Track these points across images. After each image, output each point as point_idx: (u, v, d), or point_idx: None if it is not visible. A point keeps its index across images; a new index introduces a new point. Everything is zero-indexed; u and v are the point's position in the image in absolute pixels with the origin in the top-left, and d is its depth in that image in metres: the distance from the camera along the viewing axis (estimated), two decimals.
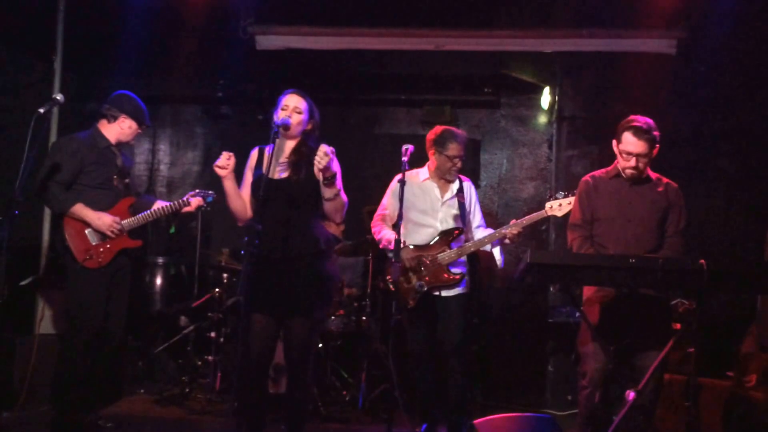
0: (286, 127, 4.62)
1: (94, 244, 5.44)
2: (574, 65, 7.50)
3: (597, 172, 5.12)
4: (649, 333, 4.74)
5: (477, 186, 7.97)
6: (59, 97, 5.05)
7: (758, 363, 5.41)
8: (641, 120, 4.83)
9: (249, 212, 4.77)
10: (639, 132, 4.78)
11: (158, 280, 7.83)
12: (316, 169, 4.52)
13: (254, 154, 4.81)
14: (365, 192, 6.54)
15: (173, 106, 8.77)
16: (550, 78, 7.70)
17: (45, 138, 5.32)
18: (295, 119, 4.68)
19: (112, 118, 5.63)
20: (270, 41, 7.54)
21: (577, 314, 5.06)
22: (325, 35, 7.44)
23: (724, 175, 7.21)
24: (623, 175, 4.92)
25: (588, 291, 4.96)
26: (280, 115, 4.67)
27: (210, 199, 5.81)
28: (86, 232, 5.43)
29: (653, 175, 4.99)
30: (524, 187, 8.00)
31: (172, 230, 8.55)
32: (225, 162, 4.59)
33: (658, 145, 4.84)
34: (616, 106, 7.01)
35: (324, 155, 4.39)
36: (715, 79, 7.06)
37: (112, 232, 5.44)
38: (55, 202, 5.42)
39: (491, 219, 6.25)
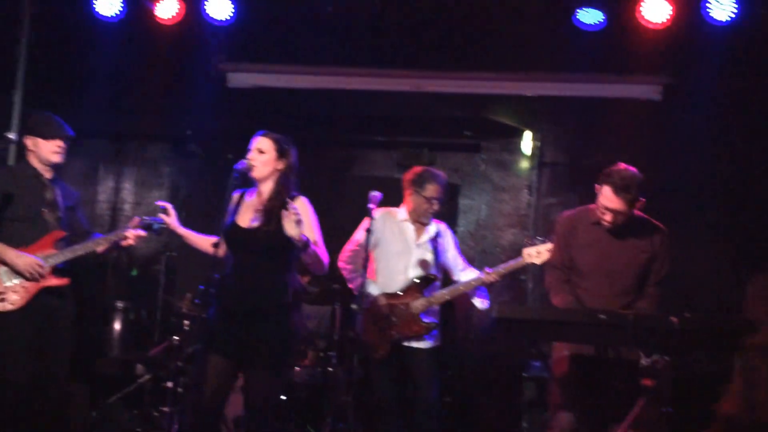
0: (246, 170, 4.64)
1: (7, 285, 5.24)
2: (556, 110, 7.58)
3: (578, 212, 5.10)
4: (618, 393, 4.72)
5: (454, 231, 7.97)
6: (12, 135, 5.12)
7: (737, 426, 5.38)
8: (623, 174, 4.80)
9: (219, 254, 4.74)
10: (618, 190, 4.76)
11: (116, 325, 7.75)
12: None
13: (235, 197, 4.82)
14: (339, 236, 6.51)
15: (140, 143, 8.74)
16: (532, 123, 7.76)
17: None
18: (257, 160, 4.69)
19: (25, 145, 5.50)
20: (241, 79, 7.59)
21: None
22: (299, 74, 7.51)
23: (710, 225, 7.23)
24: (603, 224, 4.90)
25: (558, 344, 4.96)
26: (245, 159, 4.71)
27: (156, 227, 5.46)
28: (0, 271, 5.27)
29: (639, 216, 4.96)
30: (503, 234, 7.98)
31: (134, 272, 8.54)
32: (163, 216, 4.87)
33: (642, 200, 4.84)
34: (599, 153, 7.04)
35: (292, 225, 4.40)
36: (702, 127, 7.08)
37: (31, 274, 5.25)
38: None
39: (478, 266, 6.24)
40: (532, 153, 7.82)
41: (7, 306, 5.21)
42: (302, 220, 4.45)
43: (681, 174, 7.24)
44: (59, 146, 5.47)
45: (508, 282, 7.61)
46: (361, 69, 7.43)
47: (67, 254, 5.38)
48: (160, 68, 7.64)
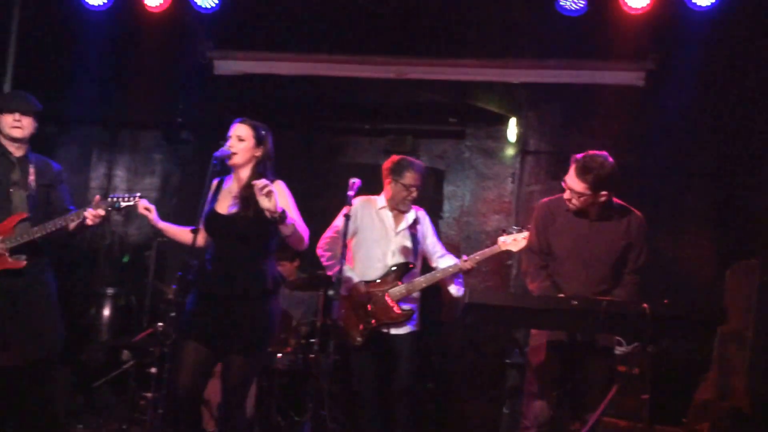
0: (226, 157, 4.68)
1: None
2: (539, 97, 7.56)
3: (556, 199, 5.10)
4: (593, 379, 4.75)
5: (439, 217, 7.99)
6: (12, 132, 5.19)
7: (714, 412, 5.41)
8: (587, 157, 4.79)
9: (199, 242, 4.78)
10: (580, 171, 4.78)
11: (106, 312, 7.80)
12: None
13: (214, 185, 4.86)
14: (326, 222, 6.52)
15: (132, 131, 8.78)
16: (517, 109, 7.74)
17: None
18: (236, 147, 4.71)
19: None
20: (228, 66, 7.60)
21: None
22: (284, 61, 7.49)
23: (694, 211, 7.23)
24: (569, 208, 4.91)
25: (535, 331, 4.98)
26: (225, 146, 4.73)
27: (119, 205, 5.13)
28: None
29: (617, 203, 4.96)
30: (488, 221, 7.97)
31: (126, 259, 8.58)
32: (143, 210, 4.85)
33: (606, 191, 4.81)
34: (582, 141, 7.04)
35: (264, 196, 4.41)
36: (685, 112, 7.06)
37: None
38: None
39: (453, 252, 6.24)
40: (516, 140, 7.80)
41: None
42: (273, 190, 4.44)
43: (665, 160, 7.23)
44: (16, 119, 5.34)
45: (493, 267, 7.65)
46: (346, 56, 7.41)
47: (27, 236, 5.21)
48: (149, 56, 7.63)
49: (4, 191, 5.29)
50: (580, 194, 4.79)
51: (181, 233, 4.94)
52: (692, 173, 7.26)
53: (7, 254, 5.22)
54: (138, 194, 5.11)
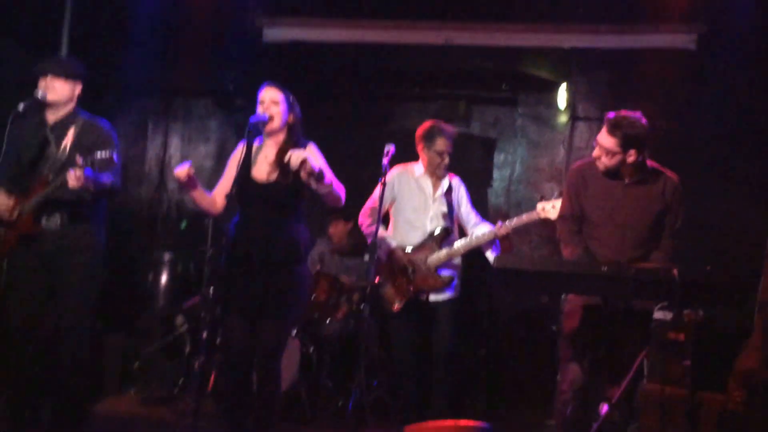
0: (263, 123, 4.79)
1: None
2: (590, 63, 7.57)
3: (588, 162, 5.14)
4: (627, 344, 4.81)
5: (489, 186, 8.06)
6: (40, 94, 5.17)
7: (755, 380, 5.42)
8: (618, 115, 4.85)
9: (219, 206, 4.94)
10: (611, 128, 4.82)
11: (163, 278, 8.03)
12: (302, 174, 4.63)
13: (241, 148, 4.91)
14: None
15: (185, 99, 8.98)
16: (567, 76, 7.75)
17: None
18: (272, 111, 4.82)
19: None
20: (277, 33, 7.76)
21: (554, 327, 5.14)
22: (333, 27, 7.62)
23: (742, 177, 7.17)
24: (600, 168, 4.94)
25: (571, 299, 5.04)
26: (258, 111, 4.84)
27: (92, 159, 4.96)
28: None
29: (652, 166, 4.99)
30: (539, 189, 7.95)
31: (184, 225, 8.82)
32: (182, 174, 4.76)
33: (635, 151, 4.83)
34: (632, 106, 6.98)
35: (300, 162, 4.51)
36: (737, 76, 7.02)
37: None
38: None
39: (502, 220, 6.33)
40: (566, 106, 7.82)
41: None
42: (306, 156, 4.53)
43: (715, 124, 7.19)
44: (47, 82, 5.30)
45: (547, 234, 7.69)
46: (395, 22, 7.51)
47: (41, 197, 5.17)
48: (201, 25, 7.83)
49: (36, 155, 5.29)
50: (608, 151, 4.83)
51: (203, 198, 4.96)
52: (742, 138, 7.18)
53: (28, 217, 5.20)
54: (112, 151, 4.99)
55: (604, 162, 4.88)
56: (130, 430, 6.16)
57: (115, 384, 7.15)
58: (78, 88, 5.42)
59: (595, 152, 4.92)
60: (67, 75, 5.35)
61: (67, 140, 5.26)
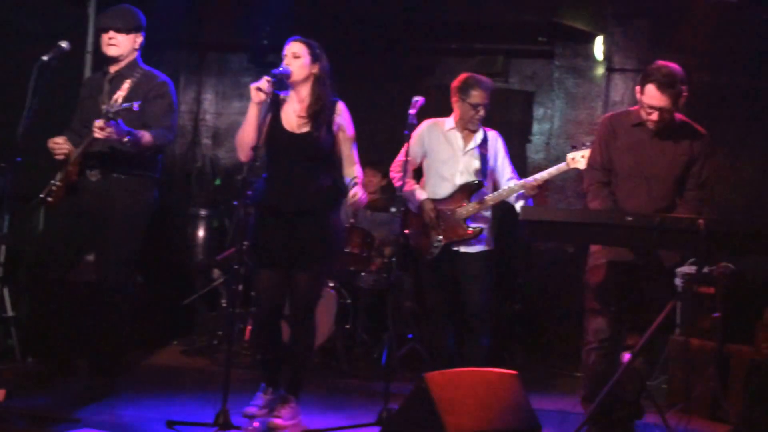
0: (285, 76, 4.99)
1: (53, 181, 5.38)
2: (626, 13, 7.69)
3: (618, 113, 5.31)
4: (652, 297, 5.02)
5: (527, 140, 8.27)
6: (64, 44, 5.26)
7: None
8: (666, 70, 4.94)
9: (254, 143, 4.98)
10: (663, 86, 4.89)
11: (200, 232, 8.36)
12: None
13: (273, 102, 5.07)
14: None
15: (219, 54, 9.26)
16: (604, 27, 7.89)
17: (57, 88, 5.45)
18: (294, 65, 5.03)
19: None
20: None
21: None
22: None
23: None
24: (647, 125, 5.07)
25: (593, 248, 5.26)
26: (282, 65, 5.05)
27: (111, 111, 5.06)
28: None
29: (680, 119, 5.12)
30: (577, 142, 8.08)
31: (217, 182, 9.13)
32: (266, 86, 4.88)
33: (685, 94, 4.96)
34: (669, 57, 7.08)
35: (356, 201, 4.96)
36: None
37: (52, 149, 5.35)
38: None
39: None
40: (603, 58, 7.96)
41: (48, 200, 5.40)
42: (360, 197, 4.97)
43: (755, 78, 7.27)
44: (111, 37, 5.46)
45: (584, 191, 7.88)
46: None
47: (83, 148, 5.30)
48: None
49: (95, 108, 5.36)
50: (663, 109, 4.93)
51: (256, 125, 5.02)
52: None
53: (74, 167, 5.36)
54: (138, 102, 5.11)
55: (654, 119, 4.99)
56: (172, 381, 6.40)
57: (156, 336, 7.49)
58: (138, 40, 5.57)
59: (644, 113, 5.02)
60: (129, 29, 5.50)
61: (122, 91, 5.30)
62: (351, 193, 4.98)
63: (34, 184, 5.50)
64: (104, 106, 5.15)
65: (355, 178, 5.12)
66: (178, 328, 7.93)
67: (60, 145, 5.34)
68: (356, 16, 8.27)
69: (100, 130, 5.02)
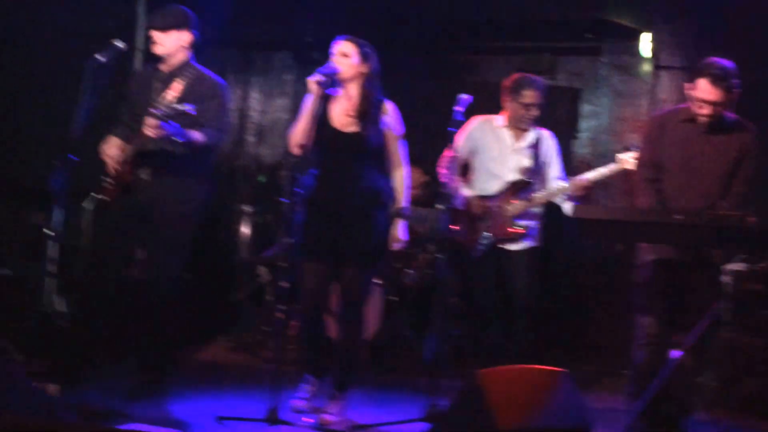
0: (333, 74, 5.10)
1: (104, 177, 5.54)
2: (674, 10, 7.71)
3: (667, 110, 5.41)
4: (700, 295, 5.08)
5: (574, 137, 8.31)
6: (119, 43, 5.34)
7: None
8: (719, 65, 5.02)
9: (305, 139, 5.10)
10: (716, 80, 4.97)
11: (245, 229, 8.47)
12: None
13: (311, 99, 5.18)
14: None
15: (264, 52, 9.38)
16: (650, 23, 7.91)
17: (111, 84, 5.47)
18: (342, 63, 5.15)
19: None
20: None
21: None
22: None
23: None
24: (698, 120, 5.12)
25: (641, 246, 5.31)
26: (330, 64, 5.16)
27: (160, 111, 5.17)
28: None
29: (730, 116, 5.17)
30: (624, 139, 8.00)
31: (261, 179, 9.24)
32: (322, 81, 5.01)
33: (737, 90, 5.02)
34: (716, 54, 7.08)
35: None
36: None
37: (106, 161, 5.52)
38: None
39: (587, 171, 6.58)
40: (650, 55, 7.97)
41: (100, 198, 5.54)
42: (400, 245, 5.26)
43: None
44: (155, 37, 5.57)
45: (628, 188, 7.89)
46: None
47: (135, 147, 5.45)
48: None
49: (147, 105, 5.42)
50: (716, 104, 5.00)
51: (309, 118, 5.14)
52: None
53: (127, 166, 5.49)
54: (192, 106, 5.17)
55: (706, 113, 5.05)
56: (219, 377, 6.54)
57: (202, 332, 7.64)
58: (185, 38, 5.62)
59: (697, 107, 5.07)
60: (166, 27, 5.55)
61: (174, 91, 5.44)
62: (392, 236, 5.23)
63: (87, 182, 5.59)
64: (156, 106, 5.24)
65: (400, 209, 5.29)
66: (223, 324, 8.07)
67: (113, 158, 5.48)
68: (400, 13, 8.35)
69: (153, 129, 5.13)
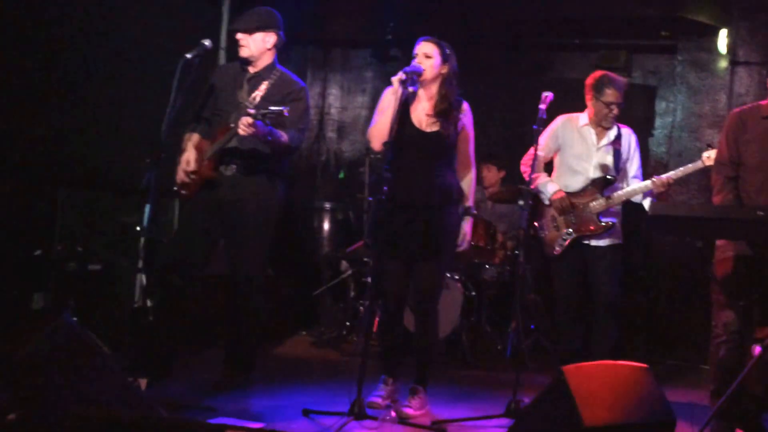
0: (417, 74, 5.22)
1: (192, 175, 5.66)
2: (752, 6, 7.73)
3: (747, 107, 5.35)
4: None
5: (649, 134, 8.36)
6: (207, 42, 5.43)
7: None
8: None
9: (389, 137, 5.10)
10: None
11: (326, 225, 8.70)
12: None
13: (389, 92, 5.34)
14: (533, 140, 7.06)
15: (343, 50, 9.60)
16: (728, 20, 7.93)
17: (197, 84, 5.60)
18: (425, 64, 5.27)
19: None
20: None
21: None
22: None
23: None
24: None
25: (720, 241, 5.31)
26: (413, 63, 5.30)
27: (262, 113, 5.22)
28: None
29: None
30: (700, 137, 8.19)
31: (341, 175, 9.46)
32: (406, 79, 5.11)
33: None
34: None
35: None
36: None
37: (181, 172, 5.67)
38: None
39: (661, 170, 6.64)
40: (727, 51, 7.99)
41: (181, 192, 5.71)
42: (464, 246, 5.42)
43: None
44: (240, 39, 5.64)
45: (705, 184, 7.93)
46: None
47: (220, 144, 5.55)
48: None
49: (233, 103, 5.61)
50: None
51: (389, 114, 5.18)
52: None
53: (209, 163, 5.60)
54: (287, 108, 5.24)
55: None
56: (302, 371, 6.71)
57: (285, 327, 7.89)
58: (270, 39, 5.70)
59: None
60: (252, 29, 5.63)
61: (259, 92, 5.56)
62: (460, 237, 5.39)
63: (174, 178, 5.78)
64: (250, 107, 5.36)
65: (468, 208, 5.45)
66: (306, 319, 8.30)
67: (191, 156, 5.64)
68: (478, 11, 8.44)
69: (247, 127, 5.22)
